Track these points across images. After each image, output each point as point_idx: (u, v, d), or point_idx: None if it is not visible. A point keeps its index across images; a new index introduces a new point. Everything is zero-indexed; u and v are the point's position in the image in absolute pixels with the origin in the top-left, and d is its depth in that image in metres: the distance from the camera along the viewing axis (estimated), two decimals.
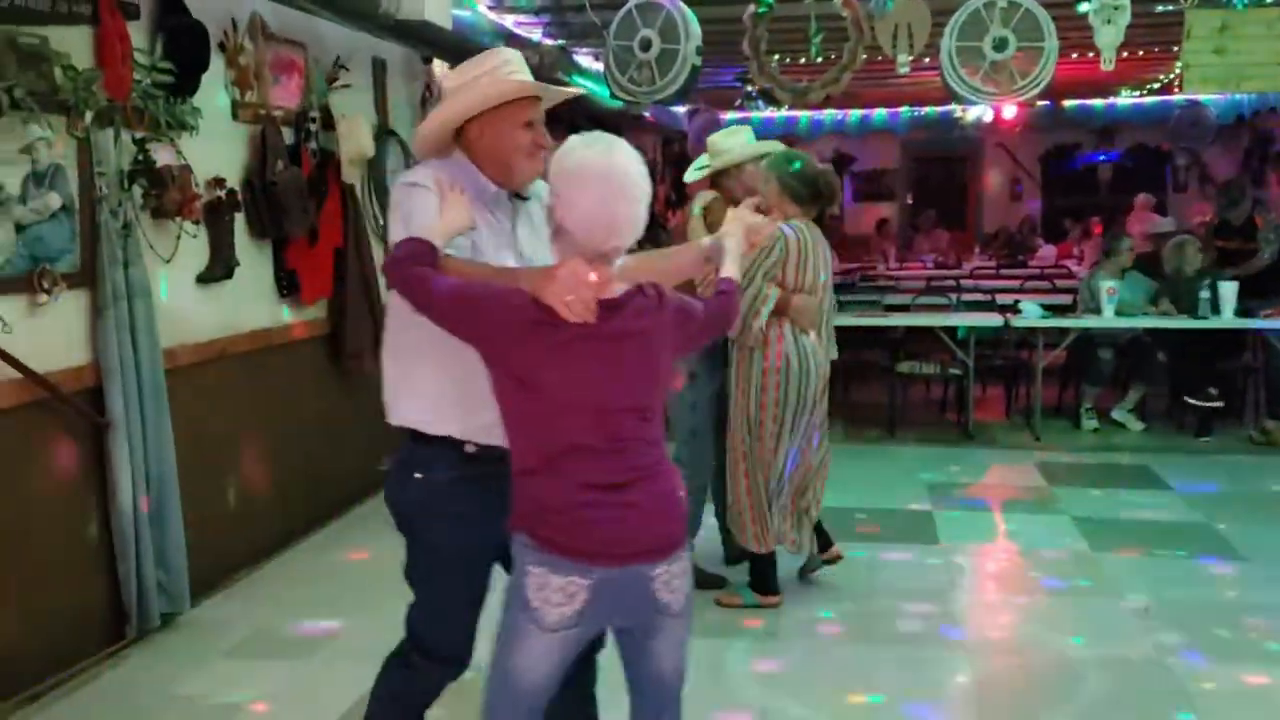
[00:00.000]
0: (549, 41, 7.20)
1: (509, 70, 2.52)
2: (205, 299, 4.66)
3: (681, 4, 5.82)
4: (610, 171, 2.20)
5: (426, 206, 2.39)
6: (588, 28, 6.40)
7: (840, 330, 8.17)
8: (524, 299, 2.16)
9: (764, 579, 4.46)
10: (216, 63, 4.60)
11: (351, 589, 4.69)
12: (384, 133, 6.16)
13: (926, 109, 13.34)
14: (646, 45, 5.85)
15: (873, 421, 7.98)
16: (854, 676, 3.88)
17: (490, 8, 6.37)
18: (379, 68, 6.18)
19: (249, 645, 4.16)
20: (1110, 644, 4.13)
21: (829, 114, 13.70)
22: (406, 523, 2.58)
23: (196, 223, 4.43)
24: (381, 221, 6.26)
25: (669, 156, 12.81)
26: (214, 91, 4.64)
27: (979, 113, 11.26)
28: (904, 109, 13.59)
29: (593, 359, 2.20)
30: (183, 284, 4.52)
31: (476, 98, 2.48)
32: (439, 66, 6.68)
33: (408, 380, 2.54)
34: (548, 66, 6.79)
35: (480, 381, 2.28)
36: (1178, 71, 7.92)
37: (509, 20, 6.59)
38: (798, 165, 4.34)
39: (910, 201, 15.46)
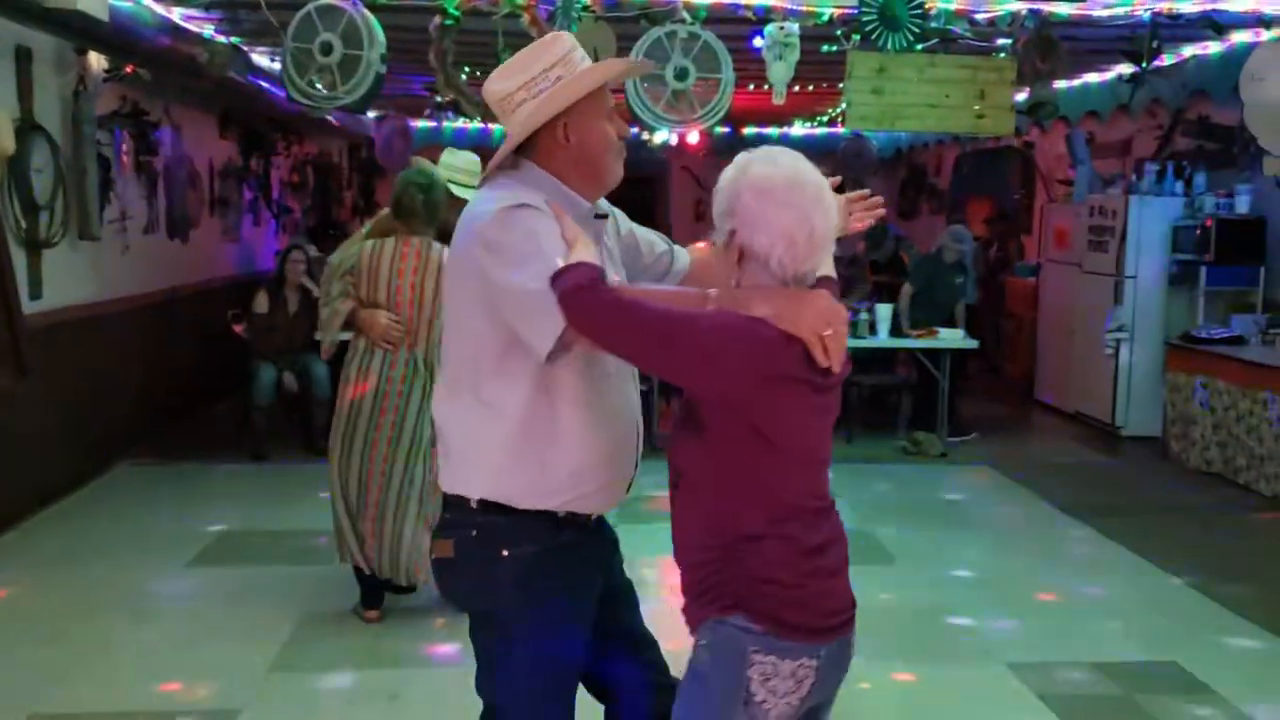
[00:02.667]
0: (221, 39, 6.79)
1: (580, 55, 2.13)
2: None
3: (365, 9, 5.64)
4: (804, 183, 1.94)
5: (553, 232, 2.00)
6: (263, 27, 6.07)
7: None
8: (774, 333, 1.86)
9: (363, 594, 4.45)
10: None
11: None
12: (28, 128, 5.59)
13: None
14: (328, 49, 5.61)
15: None
16: None
17: (156, 0, 5.92)
18: (24, 57, 5.61)
19: None
20: None
21: None
22: (490, 618, 2.12)
23: None
24: (25, 225, 5.68)
25: (356, 163, 12.46)
26: None
27: (664, 137, 11.62)
28: None
29: (816, 406, 1.96)
30: None
31: (573, 90, 2.06)
32: (95, 59, 6.17)
33: (500, 442, 2.07)
34: (219, 66, 6.39)
35: (595, 442, 2.06)
36: (842, 108, 8.51)
37: (176, 14, 6.14)
38: (401, 183, 4.29)
39: None
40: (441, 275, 4.05)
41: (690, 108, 6.05)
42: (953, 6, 6.02)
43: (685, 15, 5.91)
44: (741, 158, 2.01)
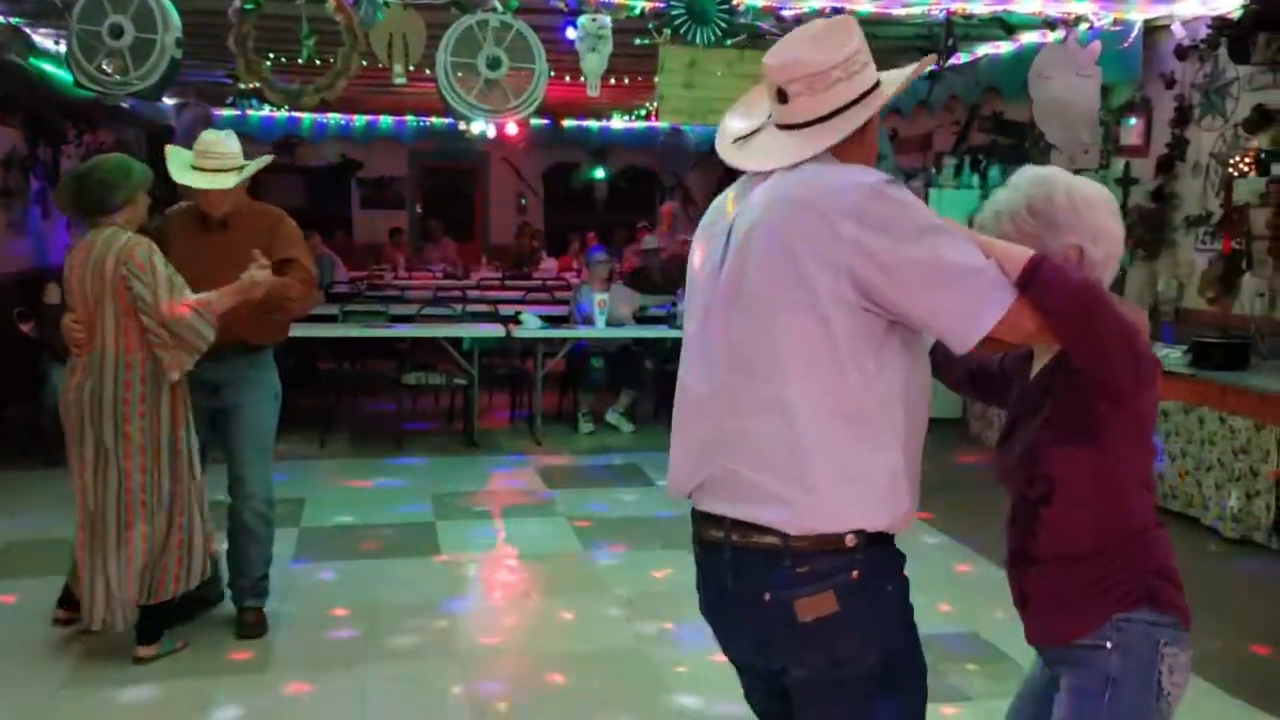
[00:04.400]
0: (0, 19, 6.35)
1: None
2: None
3: None
4: (1108, 193, 2.03)
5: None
6: (46, 7, 5.71)
7: (345, 341, 8.15)
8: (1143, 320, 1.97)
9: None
10: None
11: None
12: None
13: (433, 119, 13.44)
14: (118, 32, 5.32)
15: (380, 434, 7.88)
16: (350, 699, 3.76)
17: None
18: None
19: None
20: (596, 639, 4.35)
21: (334, 117, 13.39)
22: (880, 672, 1.83)
23: None
24: None
25: (156, 152, 11.84)
26: None
27: (483, 127, 11.50)
28: (410, 117, 13.59)
29: None
30: None
31: (901, 84, 1.92)
32: None
33: (882, 460, 1.81)
34: None
35: (919, 449, 1.90)
36: (656, 102, 8.60)
37: None
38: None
39: (419, 210, 15.54)
40: (106, 269, 3.68)
41: (504, 98, 6.00)
42: (760, 2, 6.16)
43: (497, 4, 5.85)
44: (1039, 174, 2.01)
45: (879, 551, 1.84)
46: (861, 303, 1.75)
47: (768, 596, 1.82)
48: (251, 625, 4.25)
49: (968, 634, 4.36)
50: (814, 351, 1.77)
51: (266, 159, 4.26)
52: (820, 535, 1.79)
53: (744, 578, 1.85)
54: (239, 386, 4.18)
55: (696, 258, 2.00)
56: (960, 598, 4.79)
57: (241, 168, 4.07)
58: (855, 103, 1.87)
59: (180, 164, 4.07)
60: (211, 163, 4.02)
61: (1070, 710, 1.93)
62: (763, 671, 1.95)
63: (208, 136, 4.09)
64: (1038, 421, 1.97)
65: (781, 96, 1.87)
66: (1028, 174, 2.03)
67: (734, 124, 2.03)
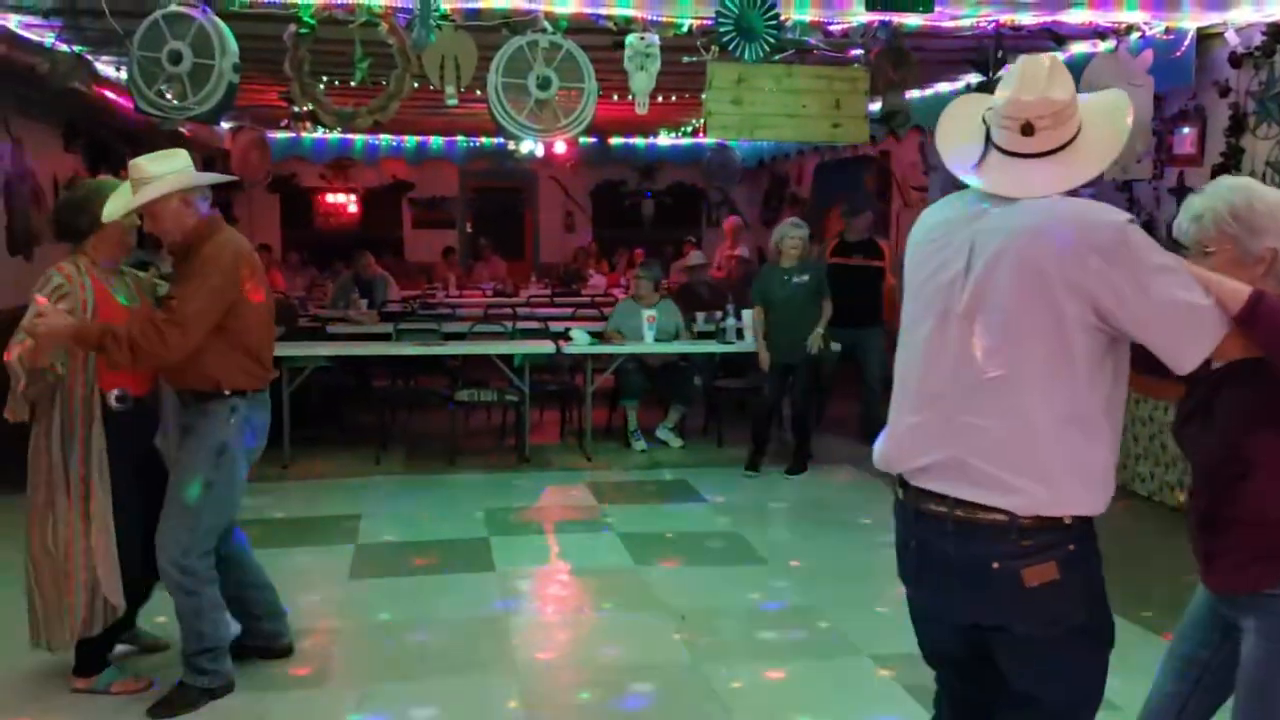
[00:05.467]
0: (63, 47, 6.51)
1: None
2: None
3: (215, 17, 5.48)
4: None
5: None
6: (108, 35, 5.85)
7: (399, 359, 8.26)
8: None
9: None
10: None
11: None
12: None
13: (483, 140, 13.58)
14: (177, 58, 5.44)
15: (433, 450, 7.96)
16: (407, 714, 3.80)
17: None
18: None
19: None
20: (650, 654, 4.36)
21: (385, 139, 13.58)
22: (1085, 626, 2.18)
23: None
24: None
25: None
26: None
27: (531, 146, 11.60)
28: (460, 138, 13.75)
29: None
30: None
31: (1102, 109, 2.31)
32: None
33: (1100, 453, 2.12)
34: (61, 75, 6.13)
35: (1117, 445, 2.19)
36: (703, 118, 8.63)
37: (13, 21, 5.88)
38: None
39: (469, 230, 15.69)
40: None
41: (554, 117, 6.06)
42: (807, 18, 6.17)
43: (546, 25, 5.91)
44: (1238, 182, 2.36)
45: (1087, 528, 2.15)
46: (1098, 324, 2.06)
47: (996, 565, 2.12)
48: (161, 703, 3.81)
49: None
50: (1055, 364, 2.07)
51: (210, 176, 3.98)
52: (1045, 517, 2.10)
53: (970, 548, 2.15)
54: (185, 435, 3.85)
55: (926, 266, 2.26)
56: None
57: (150, 182, 3.70)
58: (1077, 135, 2.19)
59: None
60: (134, 186, 3.74)
61: (1261, 649, 2.35)
62: (962, 625, 2.26)
63: (134, 160, 3.77)
64: (1234, 410, 2.34)
65: (1027, 130, 2.16)
66: (1227, 182, 2.37)
67: (963, 151, 2.27)
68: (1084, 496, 2.11)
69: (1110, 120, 2.23)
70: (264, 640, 4.19)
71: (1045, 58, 2.20)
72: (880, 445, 2.34)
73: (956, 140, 2.29)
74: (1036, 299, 2.06)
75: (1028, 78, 2.16)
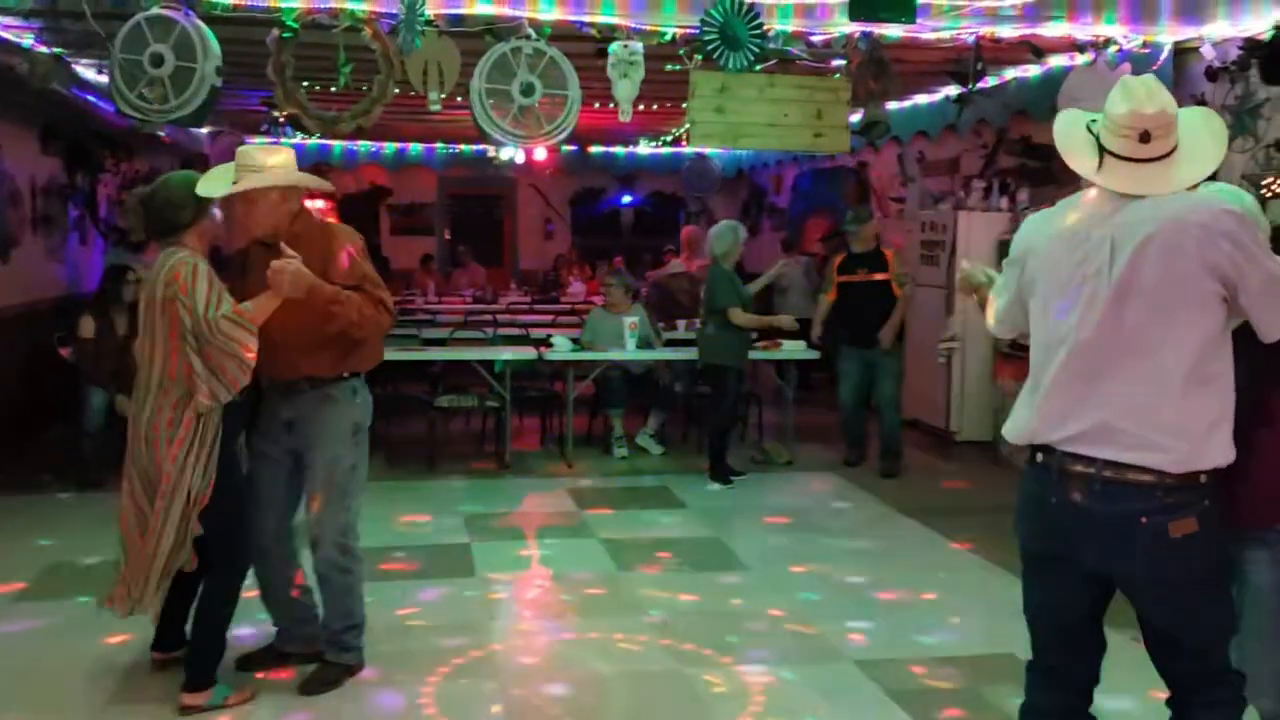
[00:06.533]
0: (43, 49, 6.46)
1: None
2: None
3: (198, 20, 5.46)
4: None
5: None
6: (89, 37, 5.81)
7: (379, 365, 8.20)
8: None
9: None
10: None
11: None
12: None
13: (462, 146, 13.58)
14: (159, 61, 5.41)
15: (413, 456, 7.93)
16: (388, 718, 3.80)
17: None
18: None
19: None
20: (633, 660, 4.37)
21: (364, 145, 13.55)
22: (1210, 572, 2.57)
23: None
24: None
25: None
26: None
27: (511, 153, 11.60)
28: (440, 145, 13.74)
29: None
30: None
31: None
32: None
33: (1226, 414, 2.49)
34: (40, 77, 6.08)
35: None
36: (686, 127, 8.65)
37: None
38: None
39: (448, 237, 15.67)
40: (156, 291, 3.65)
41: (537, 124, 6.06)
42: (790, 28, 6.21)
43: (530, 32, 5.93)
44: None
45: (1216, 486, 2.49)
46: (1225, 296, 2.45)
47: (1144, 520, 2.46)
48: (312, 680, 4.01)
49: (1006, 655, 4.34)
50: (1194, 334, 2.44)
51: (310, 178, 3.99)
52: (1187, 473, 2.44)
53: (1118, 505, 2.49)
54: (310, 425, 3.92)
55: (1067, 260, 2.58)
56: (998, 620, 4.78)
57: (259, 171, 3.74)
58: (1178, 142, 2.58)
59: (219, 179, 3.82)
60: (240, 173, 3.76)
61: (1276, 573, 2.74)
62: (1095, 575, 2.62)
63: (244, 148, 3.84)
64: (1262, 366, 2.61)
65: (1145, 138, 2.52)
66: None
67: (1082, 159, 2.62)
68: (1218, 451, 2.46)
69: (1207, 129, 2.65)
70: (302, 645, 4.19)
71: (1147, 77, 2.57)
72: (1019, 421, 2.69)
73: (1076, 150, 2.63)
74: (1180, 277, 2.43)
75: (1141, 94, 2.52)
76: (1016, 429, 2.71)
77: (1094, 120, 2.62)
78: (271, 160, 3.78)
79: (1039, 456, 2.64)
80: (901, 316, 7.69)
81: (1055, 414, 2.59)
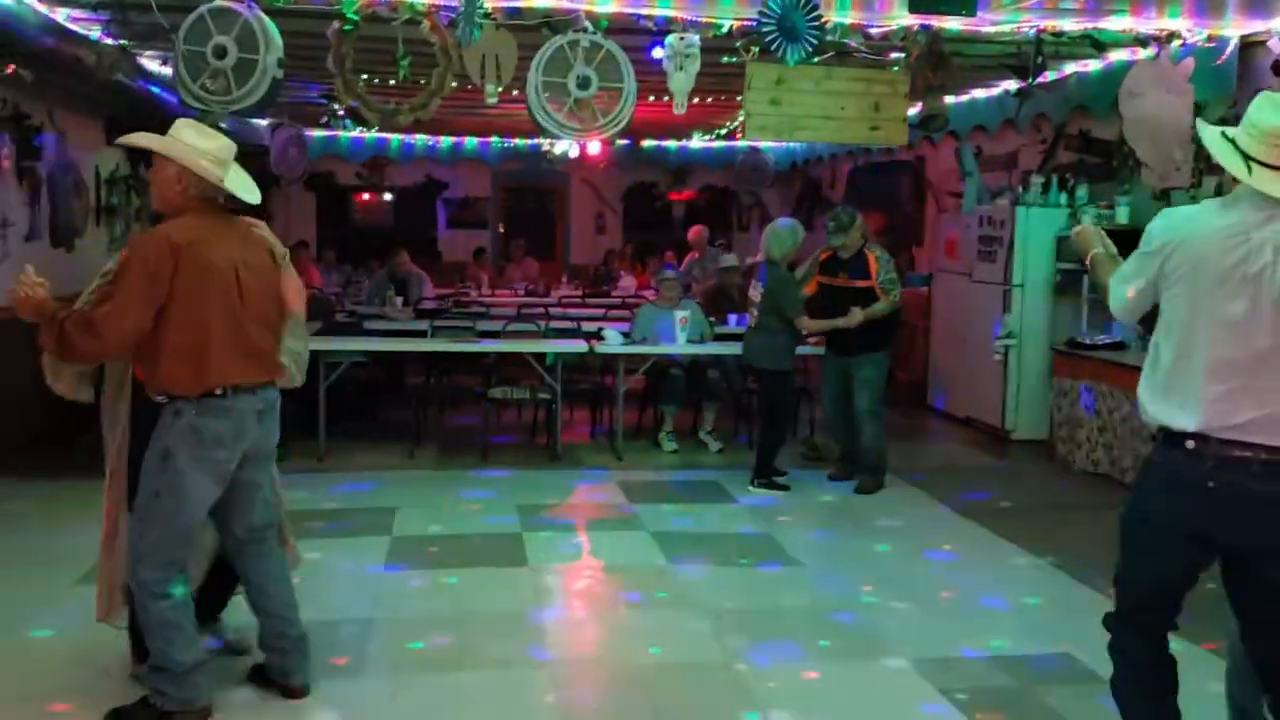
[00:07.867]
0: (109, 41, 6.59)
1: None
2: None
3: (260, 13, 5.54)
4: None
5: None
6: (154, 29, 5.92)
7: (432, 355, 8.32)
8: None
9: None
10: None
11: None
12: None
13: (516, 140, 13.64)
14: (221, 53, 5.51)
15: (466, 446, 7.99)
16: (443, 706, 3.82)
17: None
18: None
19: None
20: (684, 652, 4.36)
21: (420, 139, 13.66)
22: None
23: None
24: None
25: (249, 171, 12.15)
26: None
27: (565, 147, 11.65)
28: (494, 139, 13.81)
29: None
30: None
31: None
32: None
33: None
34: (106, 68, 6.21)
35: None
36: (740, 119, 8.62)
37: (61, 14, 5.96)
38: None
39: (501, 230, 15.76)
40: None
41: (592, 117, 6.09)
42: (848, 20, 6.17)
43: (587, 24, 5.94)
44: None
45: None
46: None
47: None
48: (119, 710, 3.63)
49: (1060, 655, 4.29)
50: None
51: (212, 172, 3.57)
52: None
53: (1275, 484, 2.70)
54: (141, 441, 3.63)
55: (1225, 260, 2.71)
56: (1052, 619, 4.73)
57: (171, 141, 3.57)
58: None
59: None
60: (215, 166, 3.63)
61: None
62: (1222, 548, 2.82)
63: (183, 118, 3.70)
64: None
65: None
66: None
67: (1240, 166, 2.74)
68: None
69: None
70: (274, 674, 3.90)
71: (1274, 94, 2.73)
72: (1185, 414, 2.77)
73: (1224, 157, 2.76)
74: None
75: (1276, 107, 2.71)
76: (1177, 418, 2.80)
77: (1225, 129, 2.80)
78: (189, 136, 3.57)
79: (1189, 444, 2.77)
80: (884, 313, 6.97)
81: (1225, 406, 2.73)
